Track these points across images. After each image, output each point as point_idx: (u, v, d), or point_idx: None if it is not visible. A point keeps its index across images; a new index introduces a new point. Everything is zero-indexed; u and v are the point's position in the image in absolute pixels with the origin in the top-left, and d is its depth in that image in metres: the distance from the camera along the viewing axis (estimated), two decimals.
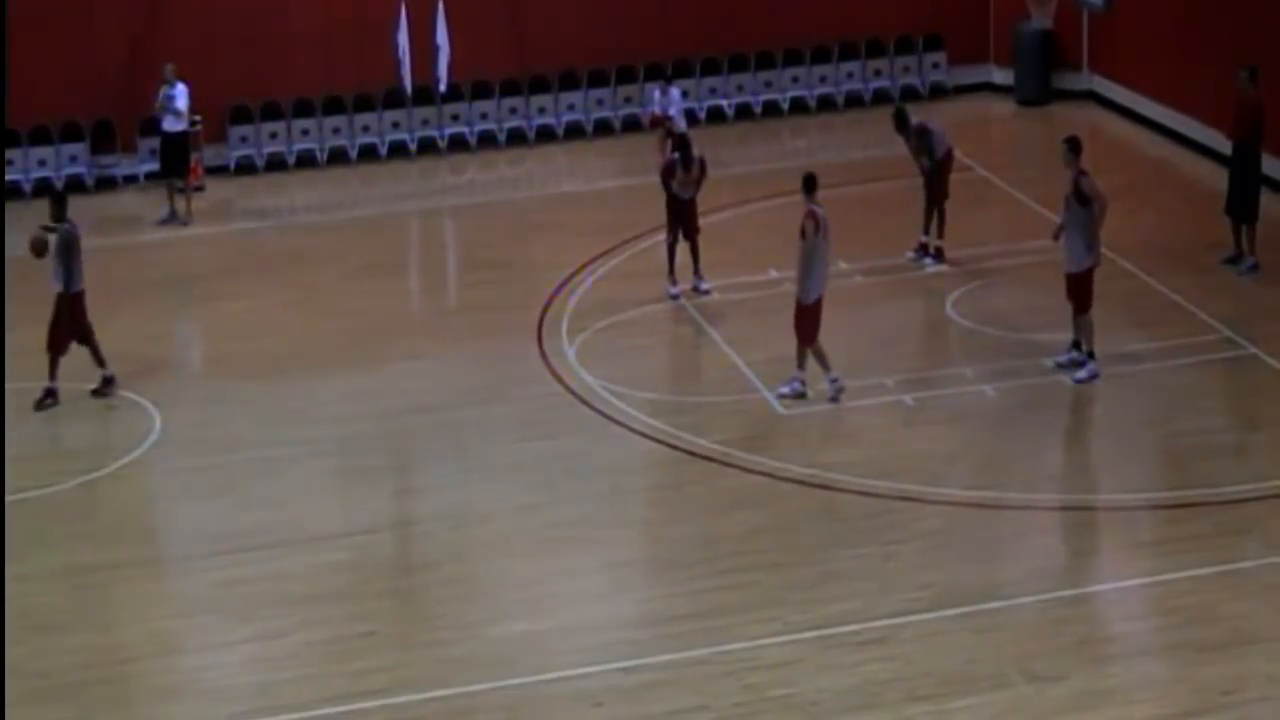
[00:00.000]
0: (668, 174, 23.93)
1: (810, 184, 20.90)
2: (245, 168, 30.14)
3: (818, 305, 20.74)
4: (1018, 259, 24.14)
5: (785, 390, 20.89)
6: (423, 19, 29.40)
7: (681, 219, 23.85)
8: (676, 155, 23.92)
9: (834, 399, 20.82)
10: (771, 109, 31.64)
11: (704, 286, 24.02)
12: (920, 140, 24.50)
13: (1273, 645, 15.96)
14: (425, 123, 30.71)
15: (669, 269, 23.94)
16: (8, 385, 20.62)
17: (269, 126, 30.27)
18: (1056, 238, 21.15)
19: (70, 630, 17.14)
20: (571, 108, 31.12)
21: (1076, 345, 21.39)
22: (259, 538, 18.61)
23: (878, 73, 31.98)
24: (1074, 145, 21.25)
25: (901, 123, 24.59)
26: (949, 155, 24.82)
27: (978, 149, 28.74)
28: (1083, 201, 20.89)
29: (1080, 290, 20.97)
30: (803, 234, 20.61)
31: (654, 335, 23.19)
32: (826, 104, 31.79)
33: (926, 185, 24.78)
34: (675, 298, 23.89)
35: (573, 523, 18.74)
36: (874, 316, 22.47)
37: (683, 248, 23.93)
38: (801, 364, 20.85)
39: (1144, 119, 29.96)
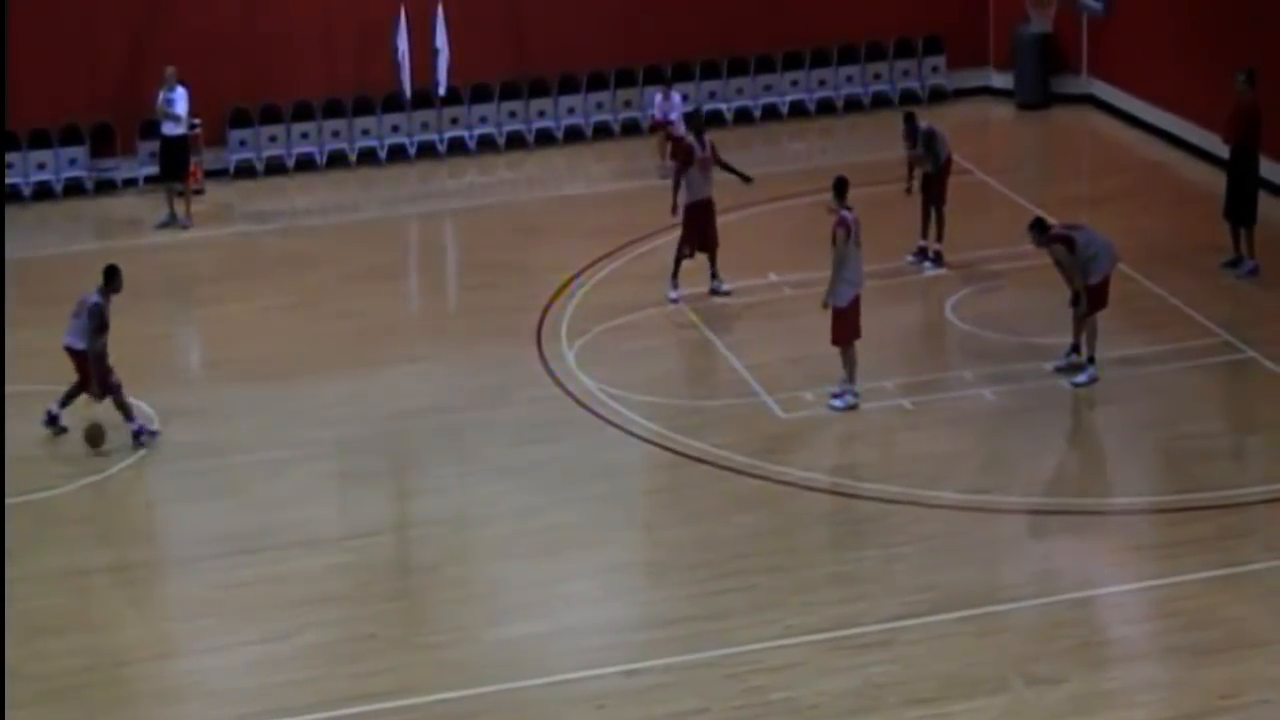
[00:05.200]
0: (684, 155, 23.83)
1: (841, 188, 20.92)
2: (245, 171, 30.14)
3: (849, 309, 20.77)
4: (1017, 263, 24.13)
5: (838, 404, 20.87)
6: (422, 22, 29.42)
7: (698, 226, 23.72)
8: (691, 136, 23.92)
9: (834, 406, 20.89)
10: (771, 113, 31.65)
11: (724, 288, 24.01)
12: (928, 145, 24.53)
13: (1273, 649, 15.98)
14: (424, 126, 30.71)
15: (673, 274, 23.91)
16: (8, 386, 20.63)
17: (268, 130, 30.27)
18: (1076, 302, 21.17)
19: (71, 632, 17.15)
20: (571, 111, 31.13)
21: (1075, 348, 21.42)
22: (260, 540, 18.61)
23: (877, 76, 31.99)
24: (1038, 227, 21.25)
25: (912, 128, 24.64)
26: (948, 160, 24.87)
27: (977, 153, 28.75)
28: (1070, 249, 20.93)
29: (1093, 296, 21.00)
30: (833, 241, 20.66)
31: (654, 339, 23.19)
32: (826, 108, 31.80)
33: (924, 189, 24.81)
34: (674, 301, 23.89)
35: (573, 525, 18.75)
36: (874, 320, 22.42)
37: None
38: (852, 374, 20.89)
39: (1142, 123, 29.98)
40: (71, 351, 20.76)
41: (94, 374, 20.62)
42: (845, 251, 20.67)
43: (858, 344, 20.93)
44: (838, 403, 20.86)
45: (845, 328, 20.82)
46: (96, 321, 20.58)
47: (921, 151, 24.62)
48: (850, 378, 20.89)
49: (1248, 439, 20.57)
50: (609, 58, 31.20)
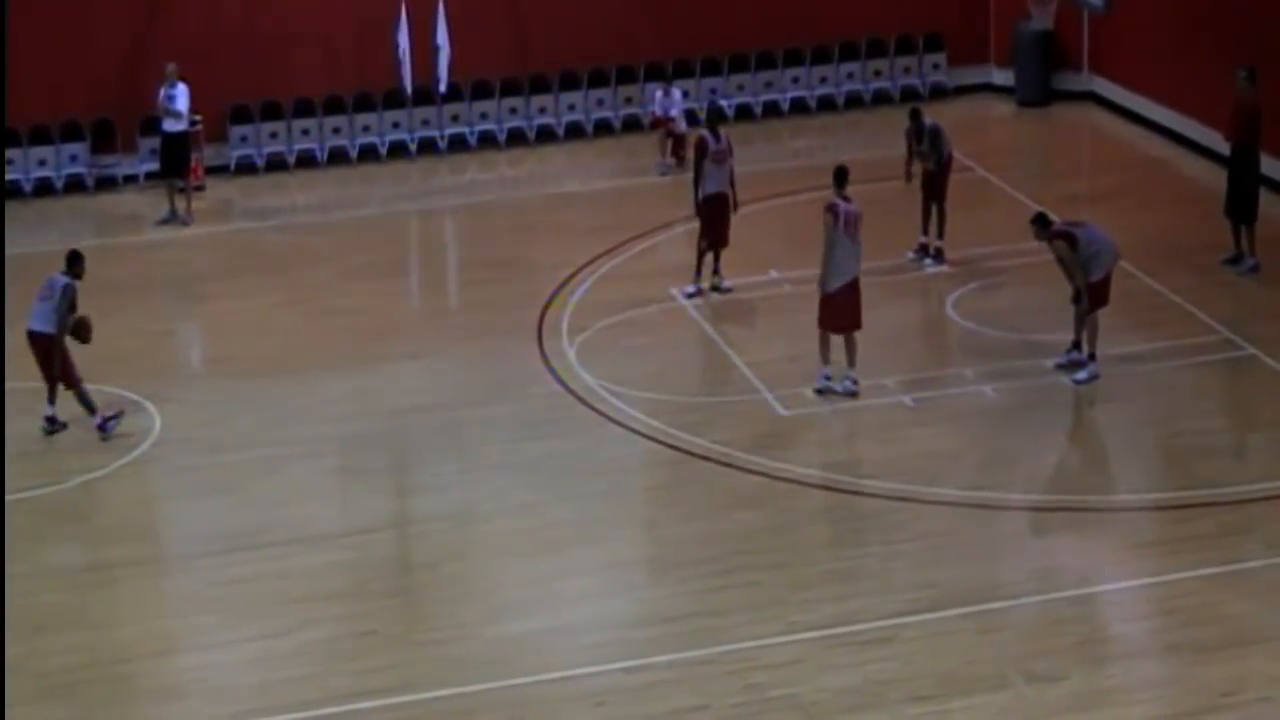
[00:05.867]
0: (698, 148, 23.85)
1: (838, 177, 21.10)
2: (245, 167, 30.14)
3: (836, 296, 20.87)
4: (1017, 260, 24.14)
5: (839, 388, 20.97)
6: (423, 19, 29.40)
7: (713, 222, 23.72)
8: (705, 130, 23.93)
9: (819, 391, 20.97)
10: (772, 109, 31.65)
11: (724, 284, 24.02)
12: (933, 142, 24.52)
13: (1273, 645, 15.98)
14: (425, 123, 30.71)
15: (697, 269, 23.93)
16: (8, 385, 20.64)
17: (269, 126, 30.28)
18: (1077, 299, 21.16)
19: (70, 629, 17.14)
20: (572, 108, 31.12)
21: (1076, 345, 21.41)
22: (259, 537, 18.61)
23: (878, 73, 31.99)
24: (1040, 221, 21.22)
25: (918, 125, 24.64)
26: (949, 157, 24.87)
27: (978, 150, 28.75)
28: (1072, 245, 20.89)
29: (1094, 294, 20.99)
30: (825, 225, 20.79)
31: (654, 335, 23.19)
32: (827, 104, 31.80)
33: (926, 186, 24.80)
34: (691, 295, 23.87)
35: (573, 522, 18.75)
36: (874, 317, 22.42)
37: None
38: (850, 359, 21.00)
39: (1144, 120, 29.98)
40: (36, 336, 20.71)
41: (58, 358, 20.61)
42: (832, 238, 20.74)
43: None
44: (838, 388, 20.97)
45: (827, 313, 20.95)
46: (70, 302, 20.60)
47: (926, 148, 24.62)
48: (823, 359, 20.97)
49: (1248, 436, 20.56)
50: (610, 54, 31.20)
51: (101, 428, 20.77)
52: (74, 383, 20.77)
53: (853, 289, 20.92)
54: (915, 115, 24.97)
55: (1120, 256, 21.48)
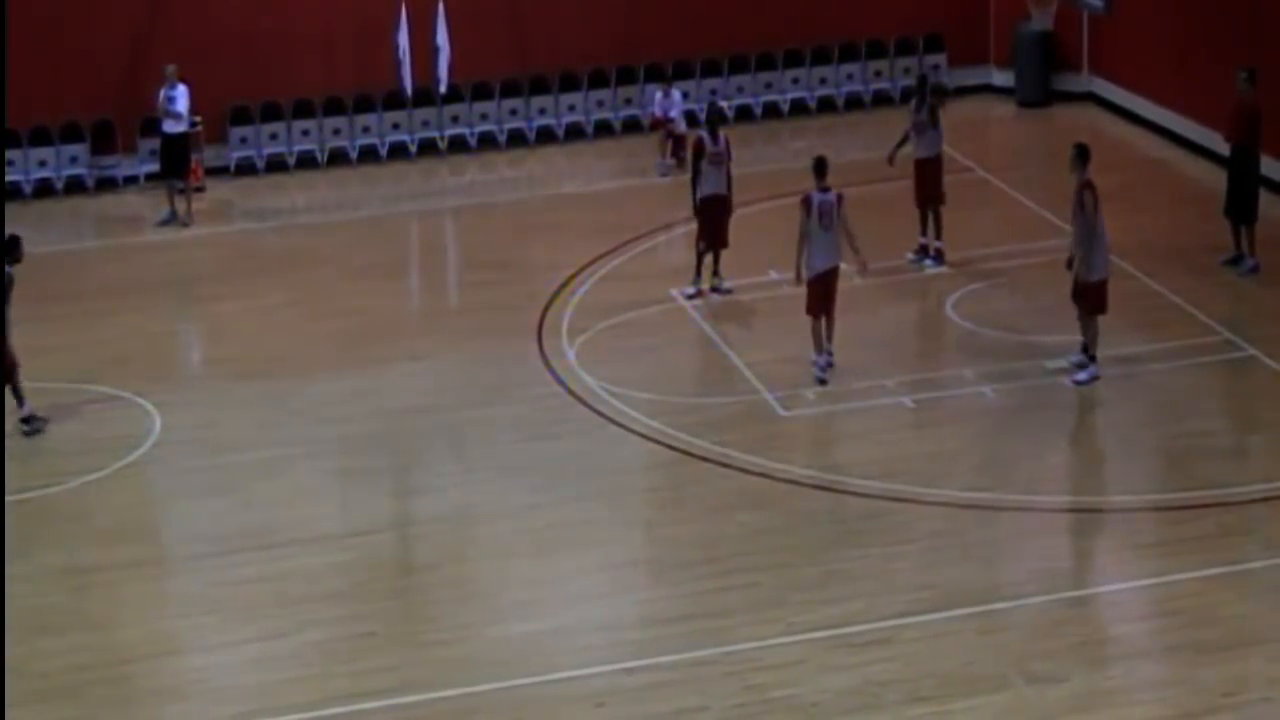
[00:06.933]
0: (696, 150, 23.85)
1: (817, 168, 21.32)
2: (245, 169, 30.14)
3: (814, 283, 21.14)
4: (1017, 260, 24.14)
5: (821, 367, 21.29)
6: (423, 20, 29.40)
7: (710, 223, 23.72)
8: (703, 131, 23.94)
9: (821, 380, 21.18)
10: (772, 110, 31.66)
11: (724, 285, 24.03)
12: (932, 113, 24.38)
13: (1274, 646, 15.97)
14: (425, 124, 30.71)
15: (696, 270, 23.94)
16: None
17: (269, 127, 30.27)
18: (1070, 265, 21.10)
19: (70, 630, 17.14)
20: (572, 109, 31.12)
21: (1084, 349, 21.36)
22: (259, 538, 18.61)
23: (878, 74, 32.00)
24: (1081, 148, 21.18)
25: (923, 93, 24.61)
26: (940, 156, 24.78)
27: (977, 150, 28.76)
28: (1095, 200, 20.82)
29: (1094, 296, 20.98)
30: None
31: (654, 336, 23.18)
32: (827, 105, 31.82)
33: (919, 184, 24.72)
34: (691, 296, 23.88)
35: (573, 523, 18.75)
36: (874, 318, 22.48)
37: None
38: (828, 335, 21.29)
39: (1144, 121, 29.98)
40: None
41: None
42: (805, 230, 21.00)
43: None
44: (817, 373, 21.17)
45: (808, 299, 21.25)
46: (5, 287, 20.55)
47: (925, 118, 24.51)
48: (816, 348, 21.25)
49: (1248, 437, 20.56)
50: (610, 55, 31.20)
51: (27, 420, 20.78)
52: (9, 370, 20.73)
53: (829, 276, 21.07)
54: (920, 80, 25.09)
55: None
